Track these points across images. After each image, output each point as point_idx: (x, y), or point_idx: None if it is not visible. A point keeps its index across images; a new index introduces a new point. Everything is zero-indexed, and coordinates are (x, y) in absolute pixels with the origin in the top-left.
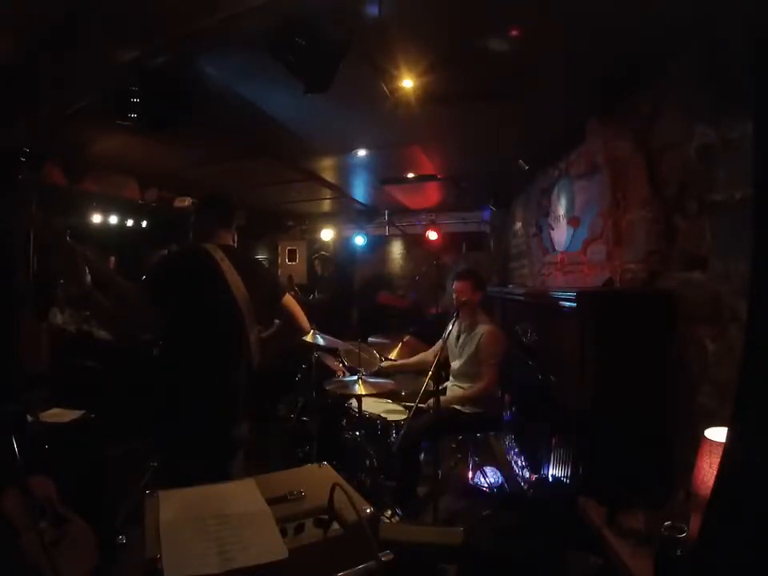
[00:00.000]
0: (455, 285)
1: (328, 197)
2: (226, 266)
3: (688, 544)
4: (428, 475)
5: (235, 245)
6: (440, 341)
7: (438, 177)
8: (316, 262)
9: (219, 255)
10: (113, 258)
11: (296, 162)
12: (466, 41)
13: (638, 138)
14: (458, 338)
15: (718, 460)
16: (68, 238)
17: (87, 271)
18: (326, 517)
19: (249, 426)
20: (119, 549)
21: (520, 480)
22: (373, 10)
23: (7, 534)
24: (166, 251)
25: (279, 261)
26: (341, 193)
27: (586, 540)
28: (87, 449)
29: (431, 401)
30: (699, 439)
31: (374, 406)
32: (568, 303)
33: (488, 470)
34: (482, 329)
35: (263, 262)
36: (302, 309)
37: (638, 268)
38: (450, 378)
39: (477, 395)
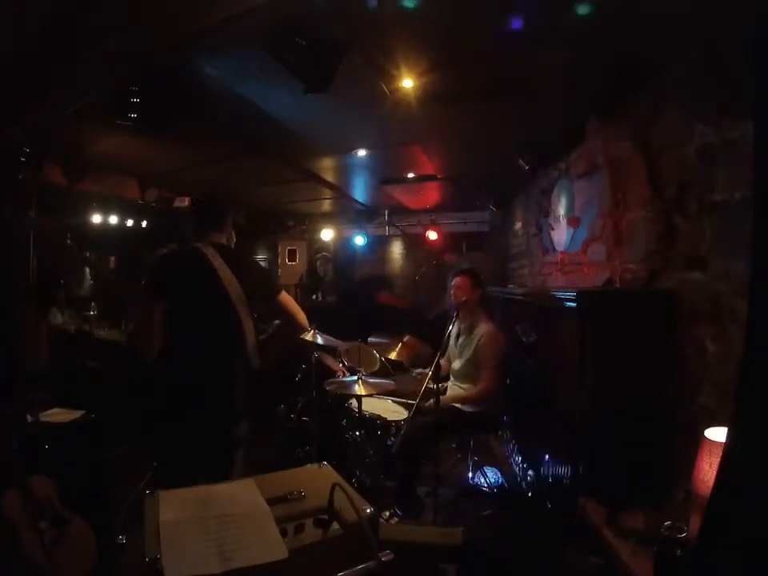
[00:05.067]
0: (454, 283)
1: (328, 197)
2: (218, 263)
3: (688, 544)
4: (428, 475)
5: (233, 244)
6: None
7: (438, 177)
8: (318, 263)
9: (210, 252)
10: (113, 258)
11: (296, 162)
12: (465, 41)
13: (637, 138)
14: (457, 338)
15: (718, 460)
16: (68, 241)
17: (88, 273)
18: (326, 517)
19: (249, 426)
20: (119, 549)
21: (520, 480)
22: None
23: (7, 533)
24: (159, 252)
25: (279, 261)
26: (341, 193)
27: (586, 540)
28: (87, 449)
29: (431, 401)
30: (699, 439)
31: (374, 406)
32: (568, 303)
33: (488, 470)
34: (481, 330)
35: (258, 260)
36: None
37: (638, 268)
38: (450, 377)
39: (476, 397)
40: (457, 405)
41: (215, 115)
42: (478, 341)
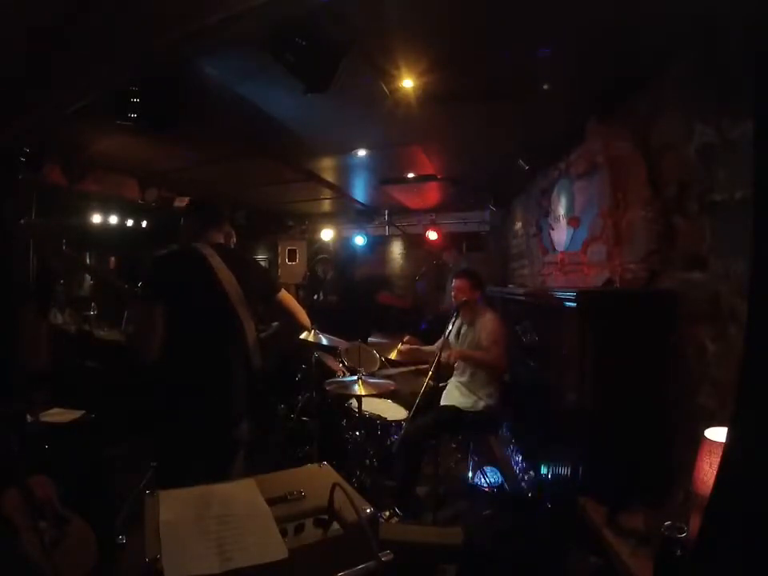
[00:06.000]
0: (454, 284)
1: (328, 197)
2: (216, 262)
3: (688, 544)
4: (428, 475)
5: (233, 244)
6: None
7: (438, 177)
8: (317, 266)
9: (208, 252)
10: (113, 258)
11: (296, 162)
12: (465, 41)
13: (637, 138)
14: (458, 333)
15: (718, 460)
16: (64, 247)
17: (86, 275)
18: (326, 517)
19: (249, 426)
20: (119, 549)
21: (520, 480)
22: None
23: (7, 533)
24: (157, 253)
25: (279, 261)
26: (341, 193)
27: (586, 540)
28: (87, 449)
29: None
30: (699, 439)
31: (374, 406)
32: (568, 303)
33: (488, 470)
34: (484, 318)
35: (257, 259)
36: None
37: (638, 268)
38: (454, 375)
39: (486, 362)
40: (456, 405)
41: (215, 115)
42: (480, 326)
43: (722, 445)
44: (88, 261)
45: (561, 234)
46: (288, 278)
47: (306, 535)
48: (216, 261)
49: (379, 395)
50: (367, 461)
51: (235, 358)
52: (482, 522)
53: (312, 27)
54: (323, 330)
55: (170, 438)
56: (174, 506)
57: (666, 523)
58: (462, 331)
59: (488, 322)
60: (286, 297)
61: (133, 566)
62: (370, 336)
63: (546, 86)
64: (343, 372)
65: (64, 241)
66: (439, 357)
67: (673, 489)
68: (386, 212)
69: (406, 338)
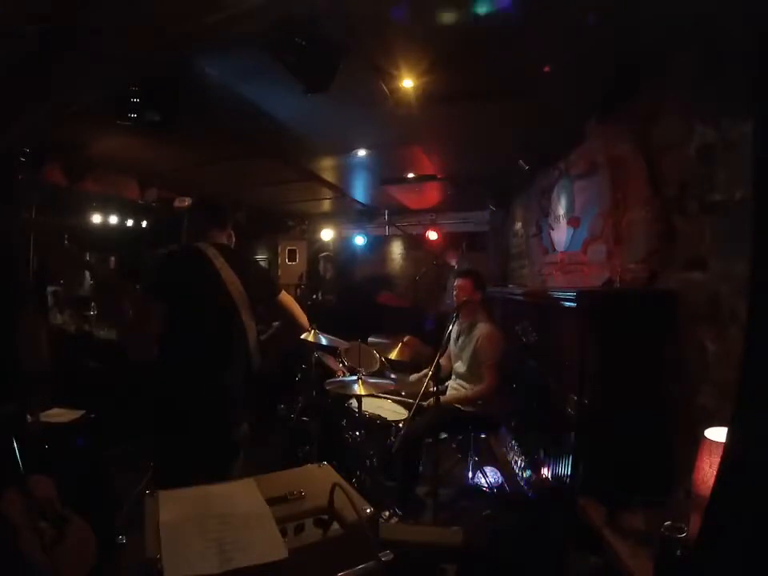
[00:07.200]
0: (456, 283)
1: (328, 197)
2: (220, 263)
3: (688, 544)
4: (428, 475)
5: (232, 244)
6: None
7: (438, 177)
8: (321, 264)
9: (212, 252)
10: (113, 258)
11: (296, 162)
12: (466, 41)
13: (637, 138)
14: (457, 338)
15: (718, 460)
16: (66, 242)
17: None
18: (326, 517)
19: (249, 426)
20: (119, 549)
21: (520, 480)
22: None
23: (7, 533)
24: (158, 251)
25: (279, 261)
26: (341, 193)
27: (586, 540)
28: (87, 449)
29: (431, 400)
30: (699, 439)
31: (374, 406)
32: (568, 303)
33: (488, 469)
34: (480, 330)
35: (257, 260)
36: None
37: (638, 268)
38: (452, 377)
39: (477, 396)
40: (457, 405)
41: (215, 115)
42: (477, 341)
43: (722, 445)
44: (88, 260)
45: (561, 234)
46: (288, 278)
47: (306, 535)
48: (220, 262)
49: (379, 395)
50: (367, 461)
51: (236, 359)
52: (482, 521)
53: (312, 27)
54: (323, 330)
55: (169, 439)
56: (174, 506)
57: (666, 523)
58: (460, 341)
59: (485, 339)
60: (286, 298)
61: (133, 565)
62: (370, 336)
63: (546, 85)
64: (343, 372)
65: (66, 236)
66: (438, 360)
67: (673, 489)
68: (386, 212)
69: (405, 338)
